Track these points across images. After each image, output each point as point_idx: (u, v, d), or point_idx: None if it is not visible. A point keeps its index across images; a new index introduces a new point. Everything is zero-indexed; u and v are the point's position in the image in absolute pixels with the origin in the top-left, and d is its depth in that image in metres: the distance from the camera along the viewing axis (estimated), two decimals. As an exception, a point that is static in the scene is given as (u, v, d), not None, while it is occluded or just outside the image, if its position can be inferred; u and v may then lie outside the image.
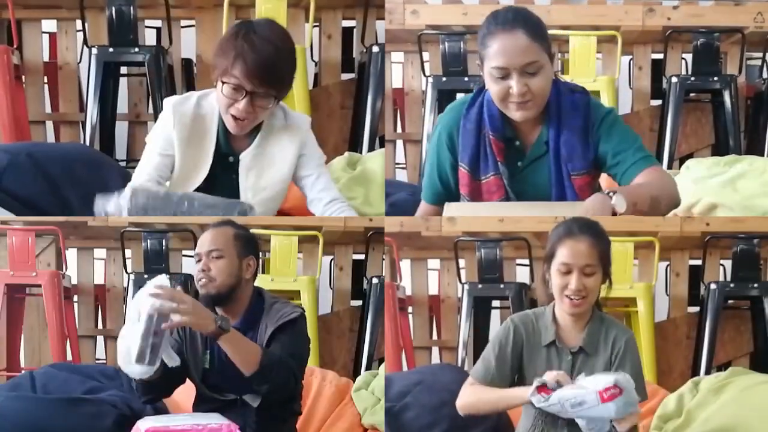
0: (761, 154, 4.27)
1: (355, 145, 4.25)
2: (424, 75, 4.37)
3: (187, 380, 2.63)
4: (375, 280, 4.15)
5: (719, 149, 4.37)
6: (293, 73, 2.62)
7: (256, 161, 2.66)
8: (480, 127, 2.55)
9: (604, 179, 2.69)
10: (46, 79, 4.47)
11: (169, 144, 2.63)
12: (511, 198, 2.53)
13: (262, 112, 2.57)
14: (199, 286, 2.54)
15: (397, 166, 4.59)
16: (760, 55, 4.40)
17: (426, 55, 4.43)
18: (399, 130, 4.63)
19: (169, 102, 2.67)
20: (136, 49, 4.11)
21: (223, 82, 2.52)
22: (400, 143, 4.64)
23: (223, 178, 2.67)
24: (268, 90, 2.53)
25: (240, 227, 2.60)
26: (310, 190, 2.71)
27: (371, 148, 4.14)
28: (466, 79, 4.25)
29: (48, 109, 4.48)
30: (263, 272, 4.28)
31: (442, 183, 2.63)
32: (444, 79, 4.28)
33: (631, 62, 4.56)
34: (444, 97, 4.23)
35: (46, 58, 4.45)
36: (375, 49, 4.18)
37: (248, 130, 2.62)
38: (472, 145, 2.55)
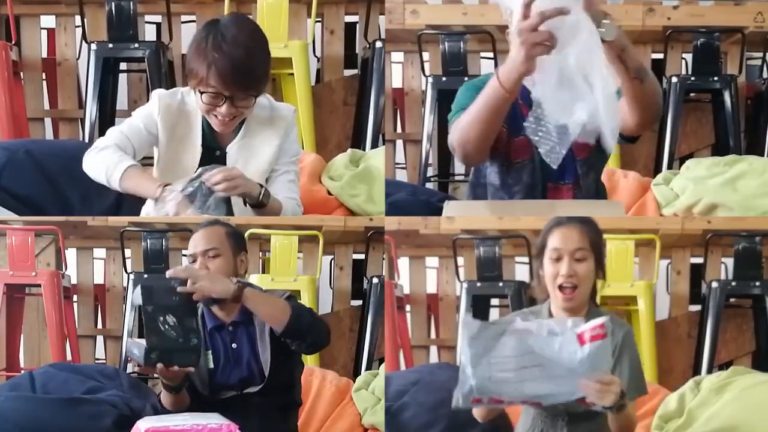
0: (761, 154, 4.27)
1: (358, 142, 4.23)
2: (424, 75, 4.35)
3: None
4: (375, 280, 4.13)
5: (719, 149, 4.36)
6: (269, 66, 2.58)
7: (242, 153, 2.64)
8: None
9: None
10: (44, 76, 4.44)
11: (154, 125, 2.61)
12: (535, 160, 2.55)
13: (245, 110, 2.55)
14: None
15: (396, 166, 4.57)
16: (761, 54, 4.39)
17: (426, 55, 4.42)
18: (399, 129, 4.62)
19: (156, 93, 2.66)
20: (136, 45, 4.09)
21: (201, 91, 2.49)
22: (399, 143, 4.62)
23: None
24: (247, 92, 2.51)
25: (229, 225, 2.60)
26: (271, 184, 2.68)
27: (374, 145, 4.11)
28: (466, 79, 4.21)
29: (46, 106, 4.45)
30: (263, 272, 4.27)
31: None
32: (444, 79, 4.26)
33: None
34: (444, 97, 4.20)
35: (44, 54, 4.42)
36: (378, 44, 4.15)
37: (234, 127, 2.61)
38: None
